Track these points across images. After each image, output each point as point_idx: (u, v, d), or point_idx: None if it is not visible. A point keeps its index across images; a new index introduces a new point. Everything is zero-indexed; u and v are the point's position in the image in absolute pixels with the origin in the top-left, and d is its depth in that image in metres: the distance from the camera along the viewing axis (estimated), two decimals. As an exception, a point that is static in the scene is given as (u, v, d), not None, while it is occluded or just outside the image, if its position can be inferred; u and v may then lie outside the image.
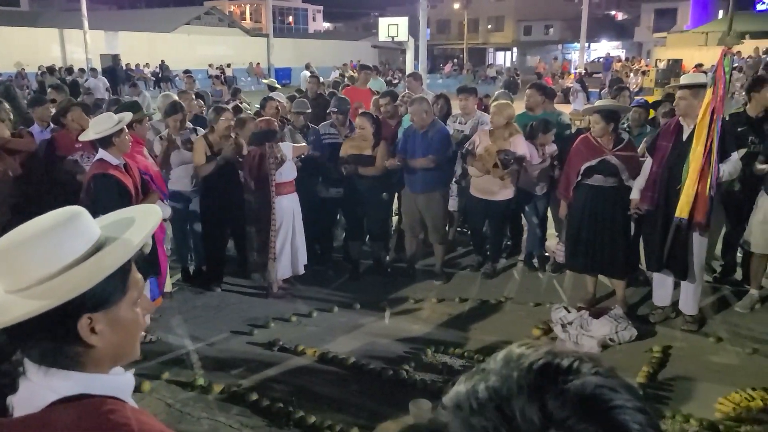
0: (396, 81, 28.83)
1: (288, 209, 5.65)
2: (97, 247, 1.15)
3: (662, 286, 5.17)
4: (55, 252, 1.10)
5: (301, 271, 5.86)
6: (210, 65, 31.72)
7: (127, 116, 4.64)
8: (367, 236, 6.51)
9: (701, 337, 4.89)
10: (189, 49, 35.37)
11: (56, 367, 1.09)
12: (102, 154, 4.47)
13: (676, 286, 5.13)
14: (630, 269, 5.47)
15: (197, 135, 5.88)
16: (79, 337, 1.09)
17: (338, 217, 6.78)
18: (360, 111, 6.51)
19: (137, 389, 3.87)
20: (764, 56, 25.23)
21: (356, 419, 3.79)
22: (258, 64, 36.06)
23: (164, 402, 3.96)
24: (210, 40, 37.76)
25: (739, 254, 5.92)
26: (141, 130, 5.27)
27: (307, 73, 11.86)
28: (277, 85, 10.34)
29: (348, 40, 48.71)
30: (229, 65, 32.92)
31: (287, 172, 5.61)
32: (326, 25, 63.98)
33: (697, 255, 4.88)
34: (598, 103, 5.36)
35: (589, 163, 5.14)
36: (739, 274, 5.88)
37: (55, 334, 1.08)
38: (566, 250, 5.57)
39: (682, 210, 4.70)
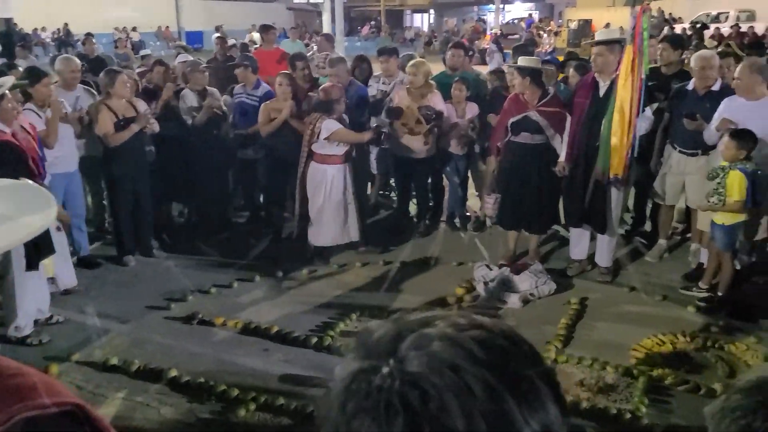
0: (313, 44, 28.24)
1: (328, 177, 5.39)
2: None
3: (580, 241, 5.31)
4: None
5: (355, 237, 5.65)
6: (116, 28, 29.95)
7: (8, 81, 4.25)
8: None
9: (615, 287, 5.08)
10: (91, 11, 33.13)
11: None
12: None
13: (592, 239, 5.29)
14: (552, 224, 5.64)
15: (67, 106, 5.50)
16: None
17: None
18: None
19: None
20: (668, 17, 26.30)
21: (281, 389, 3.71)
22: (167, 27, 34.39)
23: (75, 384, 3.73)
24: (114, 2, 35.56)
25: (647, 206, 6.17)
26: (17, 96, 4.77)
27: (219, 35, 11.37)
28: (188, 47, 9.88)
29: (262, 1, 47.13)
30: (134, 28, 31.21)
31: (327, 146, 5.35)
32: (238, -14, 61.55)
33: (614, 209, 5.03)
34: (520, 60, 5.38)
35: (513, 119, 5.18)
36: (648, 226, 6.13)
37: None
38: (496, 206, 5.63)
39: (616, 168, 4.78)
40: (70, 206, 5.21)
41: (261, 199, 6.70)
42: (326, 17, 18.96)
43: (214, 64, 8.14)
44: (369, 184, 6.87)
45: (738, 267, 4.92)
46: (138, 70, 7.24)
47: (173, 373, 3.80)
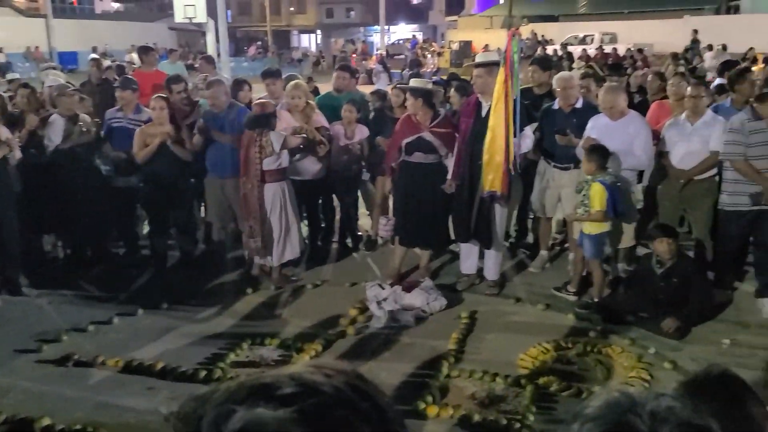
0: (197, 65, 27.45)
1: (277, 194, 5.36)
2: None
3: (469, 256, 5.46)
4: None
5: (292, 256, 5.59)
6: (-22, 49, 27.81)
7: None
8: (173, 228, 6.09)
9: (503, 299, 5.26)
10: (-51, 31, 30.65)
11: None
12: None
13: (480, 254, 5.45)
14: (449, 242, 5.80)
15: None
16: None
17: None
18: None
19: None
20: (541, 38, 27.97)
21: (167, 429, 3.50)
22: (37, 47, 32.30)
23: (-71, 445, 3.36)
24: (-24, 21, 33.06)
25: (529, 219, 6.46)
26: None
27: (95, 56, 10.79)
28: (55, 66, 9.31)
29: (142, 21, 45.44)
30: (0, 49, 29.10)
31: (278, 160, 5.31)
32: (115, 5, 59.01)
33: (499, 224, 5.22)
34: (412, 82, 5.50)
35: (407, 140, 5.27)
36: (531, 238, 6.40)
37: None
38: (395, 225, 5.68)
39: (491, 184, 4.95)
40: None
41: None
42: (210, 38, 18.49)
43: (88, 86, 7.72)
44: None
45: (611, 275, 5.28)
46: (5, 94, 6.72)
47: (46, 421, 3.50)
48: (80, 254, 5.94)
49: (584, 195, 4.84)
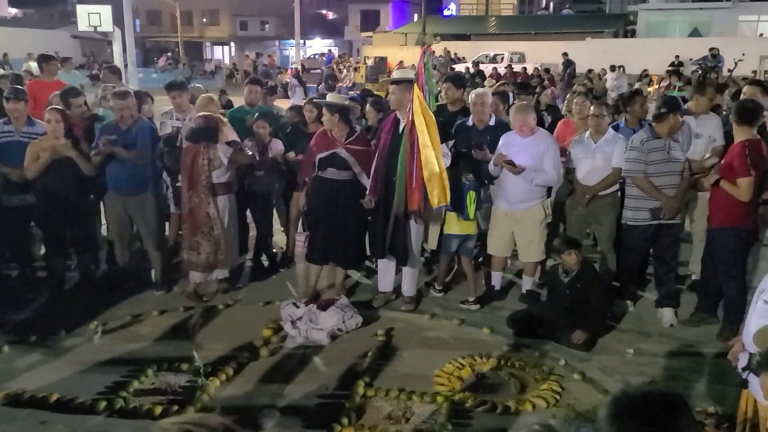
0: (102, 76, 26.25)
1: (223, 209, 5.40)
2: None
3: (387, 272, 5.43)
4: None
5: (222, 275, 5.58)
6: None
7: None
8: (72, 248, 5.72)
9: (419, 315, 5.25)
10: None
11: None
12: None
13: (397, 269, 5.43)
14: (363, 259, 5.75)
15: None
16: None
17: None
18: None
19: None
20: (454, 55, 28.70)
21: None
22: None
23: None
24: None
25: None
26: None
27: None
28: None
29: (43, 28, 43.15)
30: None
31: (226, 173, 5.38)
32: (13, 11, 55.78)
33: (415, 240, 5.22)
34: (329, 97, 5.45)
35: (321, 155, 5.21)
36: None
37: None
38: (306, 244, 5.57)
39: (439, 199, 4.87)
40: None
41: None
42: (117, 47, 17.77)
43: (-22, 97, 7.16)
44: (166, 223, 6.43)
45: (525, 289, 5.42)
46: None
47: None
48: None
49: None
